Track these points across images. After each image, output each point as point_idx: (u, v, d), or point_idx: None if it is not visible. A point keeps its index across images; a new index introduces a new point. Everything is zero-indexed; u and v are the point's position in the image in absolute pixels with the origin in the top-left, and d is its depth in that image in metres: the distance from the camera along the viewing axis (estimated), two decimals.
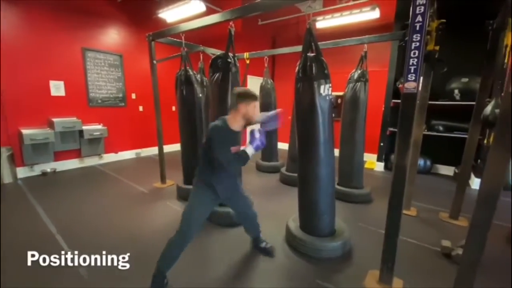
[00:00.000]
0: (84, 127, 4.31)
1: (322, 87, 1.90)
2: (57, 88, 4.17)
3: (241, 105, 1.63)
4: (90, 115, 4.60)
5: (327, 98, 1.94)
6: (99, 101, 4.73)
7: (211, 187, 1.70)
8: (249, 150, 1.63)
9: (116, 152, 5.12)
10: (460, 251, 1.91)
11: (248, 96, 1.64)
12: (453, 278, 1.44)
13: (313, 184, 2.05)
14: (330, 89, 1.96)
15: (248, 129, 1.79)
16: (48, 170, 4.12)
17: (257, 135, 1.66)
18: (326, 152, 1.99)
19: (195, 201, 1.71)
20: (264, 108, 4.52)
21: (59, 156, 4.27)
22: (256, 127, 1.72)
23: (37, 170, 4.06)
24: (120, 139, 5.12)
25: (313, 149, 1.99)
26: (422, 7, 1.36)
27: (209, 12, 3.24)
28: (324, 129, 1.95)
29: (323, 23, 4.68)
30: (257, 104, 1.68)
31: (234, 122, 1.66)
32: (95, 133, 4.41)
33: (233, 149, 1.63)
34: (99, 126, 4.62)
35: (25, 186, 3.55)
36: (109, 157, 4.99)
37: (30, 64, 3.85)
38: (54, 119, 4.01)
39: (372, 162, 5.04)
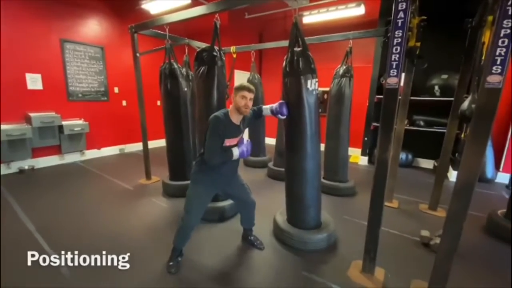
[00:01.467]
0: (64, 122, 4.14)
1: (309, 82, 1.91)
2: (33, 81, 3.97)
3: (232, 96, 1.74)
4: (70, 110, 4.42)
5: (314, 93, 1.96)
6: (80, 95, 4.55)
7: (210, 175, 1.77)
8: (235, 151, 1.74)
9: (98, 148, 4.96)
10: (438, 240, 2.00)
11: (237, 88, 1.72)
12: (432, 266, 1.50)
13: (299, 177, 2.08)
14: (317, 84, 1.97)
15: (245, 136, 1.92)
16: (26, 167, 3.94)
17: (249, 146, 1.79)
18: (313, 146, 2.02)
19: (193, 194, 1.79)
20: (252, 103, 4.50)
21: (37, 152, 4.10)
22: (245, 138, 1.87)
23: (14, 167, 3.87)
24: (102, 135, 4.97)
25: (300, 143, 2.01)
26: (404, 4, 1.39)
27: (194, 4, 3.17)
28: (311, 124, 1.97)
29: (309, 18, 4.70)
30: (245, 94, 1.70)
31: (233, 114, 1.74)
32: (75, 129, 4.25)
33: (232, 140, 1.75)
34: (80, 121, 4.45)
35: (2, 184, 3.38)
36: (91, 154, 4.84)
37: (3, 56, 3.63)
38: (32, 114, 3.82)
39: (356, 156, 5.16)
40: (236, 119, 1.75)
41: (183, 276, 1.78)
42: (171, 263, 1.82)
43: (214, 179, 1.81)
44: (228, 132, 1.71)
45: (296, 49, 1.93)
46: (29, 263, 1.82)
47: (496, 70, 1.17)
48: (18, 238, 2.19)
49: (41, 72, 4.04)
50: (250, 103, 1.73)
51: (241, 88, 1.72)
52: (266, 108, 2.00)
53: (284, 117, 1.99)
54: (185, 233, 1.83)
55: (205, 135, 1.72)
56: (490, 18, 1.95)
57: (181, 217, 1.81)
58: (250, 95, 1.72)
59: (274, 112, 1.96)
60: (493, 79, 1.18)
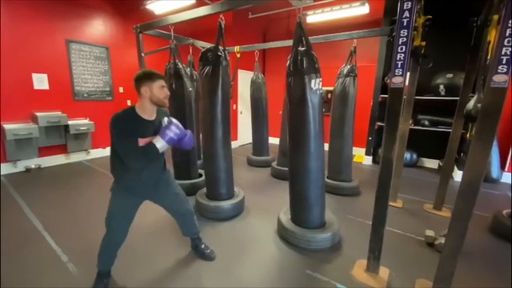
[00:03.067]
0: (70, 122, 4.18)
1: (313, 81, 1.92)
2: (40, 81, 4.02)
3: (142, 88, 1.42)
4: (76, 109, 4.47)
5: (318, 92, 1.96)
6: (85, 94, 4.59)
7: (129, 189, 1.53)
8: (159, 143, 1.41)
9: (103, 148, 5.01)
10: (442, 240, 2.00)
11: (147, 77, 1.42)
12: (436, 266, 1.50)
13: (303, 177, 2.08)
14: (321, 83, 1.98)
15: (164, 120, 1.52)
16: (33, 166, 4.00)
17: (172, 127, 1.44)
18: (317, 145, 2.02)
19: (114, 208, 1.55)
20: (256, 102, 4.52)
21: (44, 151, 4.15)
22: (166, 121, 1.49)
23: (21, 166, 3.93)
24: (107, 134, 4.96)
25: (304, 143, 2.02)
26: (410, 3, 1.39)
27: (198, 4, 3.19)
28: (314, 123, 1.98)
29: (313, 18, 4.68)
30: (163, 83, 1.45)
31: (143, 109, 1.44)
32: (81, 128, 4.29)
33: (145, 140, 1.43)
34: (86, 121, 4.50)
35: (9, 183, 3.43)
36: (97, 153, 4.88)
37: (10, 56, 3.68)
38: (38, 114, 3.87)
39: (360, 155, 5.14)
40: (149, 114, 1.45)
41: (187, 274, 1.80)
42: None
43: (134, 188, 1.54)
44: (140, 130, 1.42)
45: (300, 48, 1.94)
46: (36, 260, 1.86)
47: (502, 70, 1.16)
48: (26, 236, 2.23)
49: (47, 72, 4.09)
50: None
51: (156, 76, 1.43)
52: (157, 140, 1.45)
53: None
54: (110, 251, 1.60)
55: (112, 142, 1.45)
56: (495, 17, 1.94)
57: (104, 236, 1.58)
58: (166, 85, 1.48)
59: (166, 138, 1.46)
60: (499, 79, 1.18)
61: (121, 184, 1.54)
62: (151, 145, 1.40)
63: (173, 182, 1.78)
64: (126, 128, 1.38)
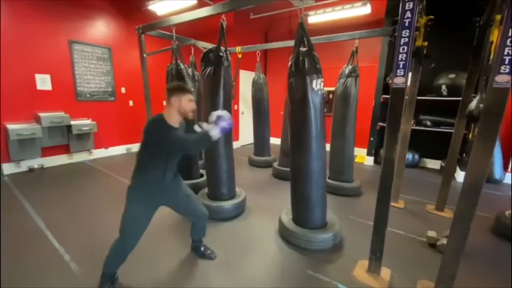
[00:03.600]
0: (73, 122, 4.21)
1: (314, 81, 1.92)
2: (43, 82, 4.05)
3: (172, 98, 1.52)
4: (78, 110, 4.49)
5: (319, 92, 1.96)
6: (88, 95, 4.62)
7: (145, 189, 1.58)
8: (214, 131, 1.46)
9: (106, 148, 5.03)
10: (444, 241, 1.99)
11: (179, 89, 1.54)
12: (438, 267, 1.50)
13: (305, 177, 2.08)
14: (322, 83, 1.98)
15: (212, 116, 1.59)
16: (36, 166, 4.03)
17: (226, 117, 1.54)
18: (318, 145, 2.02)
19: (131, 215, 1.57)
20: (257, 102, 4.52)
21: (46, 152, 4.18)
22: (216, 114, 1.57)
23: (24, 166, 3.96)
24: (110, 134, 5.04)
25: (305, 143, 2.02)
26: (411, 3, 1.39)
27: (200, 5, 3.20)
28: (316, 123, 1.98)
29: (315, 18, 4.69)
30: (191, 97, 1.56)
31: (169, 117, 1.54)
32: (84, 128, 4.32)
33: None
34: (88, 121, 4.52)
35: (12, 183, 3.46)
36: (99, 153, 4.91)
37: (13, 57, 3.71)
38: (41, 114, 3.90)
39: (362, 156, 5.13)
40: (174, 123, 1.55)
41: (183, 277, 1.80)
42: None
43: (151, 193, 1.60)
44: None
45: (302, 49, 1.94)
46: (39, 259, 1.87)
47: (504, 70, 1.16)
48: (29, 235, 2.24)
49: (50, 73, 4.11)
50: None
51: (187, 90, 1.55)
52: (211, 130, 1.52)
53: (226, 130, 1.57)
54: (121, 257, 1.61)
55: (150, 137, 1.49)
56: (498, 17, 1.94)
57: (115, 241, 1.59)
58: (193, 98, 1.59)
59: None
60: (501, 79, 1.17)
61: (142, 190, 1.58)
62: (205, 134, 1.47)
63: (183, 185, 1.83)
64: (167, 126, 1.50)
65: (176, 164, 1.70)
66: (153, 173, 1.57)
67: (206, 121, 1.60)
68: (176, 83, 1.62)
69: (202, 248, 1.99)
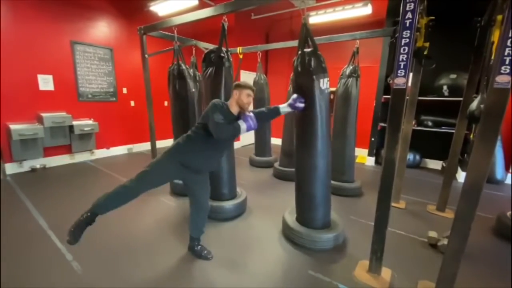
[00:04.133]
0: (74, 122, 4.23)
1: (321, 81, 1.94)
2: (45, 82, 4.08)
3: (235, 91, 1.78)
4: (80, 110, 4.52)
5: (326, 91, 1.98)
6: (89, 95, 4.64)
7: (182, 165, 1.74)
8: (243, 125, 1.73)
9: (107, 148, 5.05)
10: (445, 241, 1.99)
11: (241, 85, 1.78)
12: (439, 267, 1.50)
13: (311, 175, 2.09)
14: (328, 83, 2.00)
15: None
16: (38, 166, 4.05)
17: (251, 117, 1.77)
18: (324, 144, 2.04)
19: (159, 166, 1.74)
20: (258, 103, 4.53)
21: (49, 152, 4.20)
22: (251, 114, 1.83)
23: (26, 166, 3.98)
24: (111, 135, 5.06)
25: (311, 142, 2.02)
26: (412, 4, 1.39)
27: (201, 5, 3.21)
28: (322, 122, 2.00)
29: (316, 19, 4.69)
30: (250, 93, 1.79)
31: (231, 105, 1.80)
32: (85, 129, 4.34)
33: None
34: (90, 121, 4.54)
35: (15, 183, 3.48)
36: (101, 153, 4.93)
37: (16, 57, 3.74)
38: (43, 114, 3.92)
39: (363, 156, 5.13)
40: (234, 111, 1.81)
41: (185, 275, 1.81)
42: (76, 229, 1.67)
43: (188, 164, 1.75)
44: (228, 118, 1.74)
45: (307, 49, 1.95)
46: (41, 259, 1.89)
47: (505, 70, 1.16)
48: (31, 234, 2.26)
49: (53, 73, 4.14)
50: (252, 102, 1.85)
51: (248, 86, 1.79)
52: (284, 106, 1.98)
53: (302, 107, 1.96)
54: (120, 200, 1.71)
55: (207, 114, 1.70)
56: (499, 17, 1.93)
57: (123, 184, 1.70)
58: (253, 95, 1.82)
59: (293, 106, 1.96)
60: (502, 79, 1.18)
61: (181, 156, 1.75)
62: (237, 124, 1.72)
63: (208, 177, 1.98)
64: (223, 109, 1.71)
65: (220, 154, 1.91)
66: (201, 146, 1.76)
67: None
68: (242, 81, 1.84)
69: (198, 248, 2.01)
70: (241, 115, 1.79)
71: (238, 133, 1.74)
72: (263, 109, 2.01)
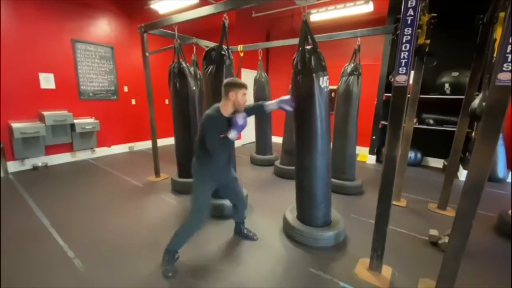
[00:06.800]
0: (76, 121, 4.25)
1: (321, 79, 1.93)
2: (47, 81, 4.08)
3: (231, 93, 1.73)
4: (82, 108, 4.53)
5: (325, 90, 1.98)
6: (91, 94, 4.65)
7: (212, 168, 1.82)
8: (232, 134, 1.73)
9: (108, 146, 5.07)
10: (446, 240, 1.99)
11: (237, 85, 1.74)
12: (440, 265, 1.50)
13: (311, 174, 2.09)
14: (328, 81, 1.99)
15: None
16: (40, 164, 4.07)
17: (239, 121, 1.75)
18: (324, 142, 2.03)
19: (202, 192, 1.82)
20: (259, 101, 4.51)
21: (50, 150, 4.21)
22: (241, 114, 1.80)
23: (28, 164, 4.00)
24: (112, 133, 5.07)
25: (311, 140, 2.02)
26: (414, 1, 1.38)
27: (202, 3, 3.20)
28: (321, 120, 1.99)
29: (317, 16, 4.67)
30: (246, 92, 1.77)
31: (225, 109, 1.76)
32: (87, 127, 4.35)
33: (225, 135, 1.75)
34: (91, 120, 4.55)
35: (17, 181, 3.50)
36: (102, 151, 4.94)
37: (17, 56, 3.75)
38: (45, 113, 3.94)
39: (364, 155, 5.12)
40: (227, 112, 1.78)
41: (186, 273, 1.82)
42: (167, 267, 1.77)
43: (215, 172, 1.84)
44: (221, 127, 1.74)
45: (307, 47, 1.94)
46: (43, 256, 1.90)
47: (507, 68, 1.15)
48: (33, 232, 2.27)
49: (54, 72, 4.15)
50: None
51: (242, 85, 1.76)
52: (271, 104, 1.98)
53: (289, 110, 2.01)
54: (190, 233, 1.82)
55: (201, 131, 1.75)
56: (502, 14, 1.92)
57: (186, 218, 1.81)
58: (247, 92, 1.79)
59: (282, 107, 1.97)
60: (504, 77, 1.17)
61: (205, 172, 1.81)
62: (227, 138, 1.73)
63: (232, 169, 2.08)
64: (216, 126, 1.72)
65: (228, 150, 1.93)
66: (211, 160, 1.79)
67: None
68: (233, 79, 1.78)
69: (245, 230, 2.24)
70: (232, 116, 1.77)
71: (231, 143, 1.83)
72: (250, 104, 1.95)
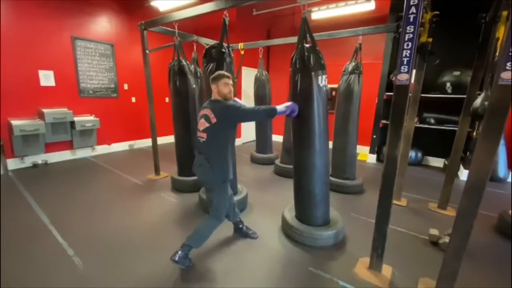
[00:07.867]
0: (76, 118, 4.23)
1: (319, 77, 1.92)
2: (46, 78, 4.07)
3: (213, 86, 1.81)
4: (82, 106, 4.52)
5: (324, 88, 1.96)
6: (91, 91, 4.64)
7: (226, 177, 1.83)
8: (280, 107, 1.85)
9: (108, 144, 5.06)
10: (447, 239, 1.98)
11: (216, 77, 1.80)
12: (440, 265, 1.49)
13: (309, 173, 2.08)
14: (326, 80, 1.98)
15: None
16: (39, 162, 4.06)
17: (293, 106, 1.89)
18: (322, 142, 2.02)
19: (223, 197, 1.87)
20: (259, 99, 4.51)
21: (50, 147, 4.21)
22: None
23: (28, 162, 3.99)
24: (112, 131, 5.06)
25: (309, 139, 2.01)
26: None
27: (202, 0, 3.18)
28: (319, 119, 1.98)
29: (318, 14, 4.65)
30: (227, 81, 1.79)
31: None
32: (87, 124, 4.34)
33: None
34: (91, 117, 4.54)
35: (16, 178, 3.50)
36: (102, 149, 4.94)
37: (17, 53, 3.73)
38: (45, 110, 3.92)
39: (364, 154, 5.11)
40: None
41: (186, 272, 1.82)
42: (187, 259, 1.81)
43: (230, 172, 1.86)
44: None
45: (306, 45, 1.93)
46: (43, 254, 1.89)
47: (510, 67, 1.14)
48: (33, 230, 2.27)
49: (54, 69, 4.13)
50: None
51: (222, 76, 1.79)
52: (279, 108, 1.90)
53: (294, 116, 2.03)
54: (210, 233, 1.87)
55: (215, 129, 1.73)
56: (504, 13, 1.90)
57: (207, 221, 1.85)
58: (230, 82, 1.83)
59: (288, 114, 1.98)
60: (507, 76, 1.16)
61: (222, 176, 1.81)
62: (272, 107, 1.83)
63: None
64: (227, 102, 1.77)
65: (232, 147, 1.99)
66: (225, 161, 1.81)
67: None
68: (216, 73, 1.83)
69: (244, 228, 2.24)
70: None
71: (273, 114, 1.84)
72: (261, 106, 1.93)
